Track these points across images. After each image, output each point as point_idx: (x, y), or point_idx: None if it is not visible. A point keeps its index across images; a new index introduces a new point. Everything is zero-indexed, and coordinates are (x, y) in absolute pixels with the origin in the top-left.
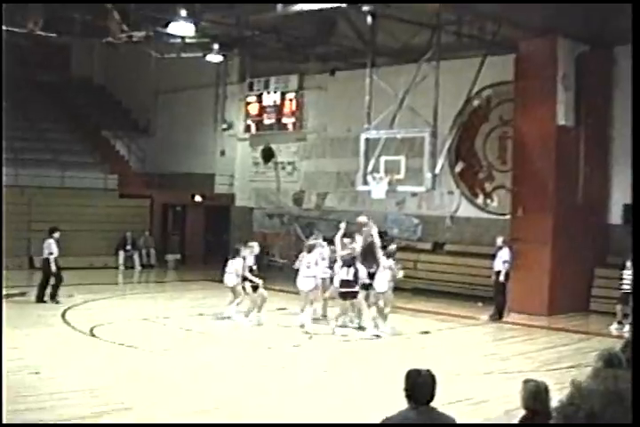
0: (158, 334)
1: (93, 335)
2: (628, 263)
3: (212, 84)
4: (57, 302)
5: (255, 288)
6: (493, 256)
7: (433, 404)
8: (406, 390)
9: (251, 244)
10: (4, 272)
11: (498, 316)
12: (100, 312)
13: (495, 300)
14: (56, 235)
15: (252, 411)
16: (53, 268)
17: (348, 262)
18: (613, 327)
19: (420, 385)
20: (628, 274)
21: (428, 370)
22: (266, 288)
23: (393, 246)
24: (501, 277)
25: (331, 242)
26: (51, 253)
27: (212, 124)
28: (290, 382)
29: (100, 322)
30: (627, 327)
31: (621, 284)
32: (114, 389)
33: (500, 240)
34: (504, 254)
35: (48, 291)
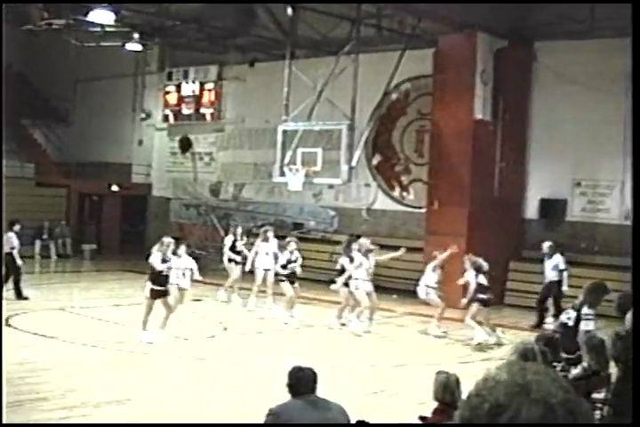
0: (75, 324)
1: (9, 325)
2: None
3: (131, 73)
4: (25, 298)
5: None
6: (541, 261)
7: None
8: (289, 385)
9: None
10: None
11: (540, 323)
12: (15, 302)
13: (538, 307)
14: (16, 227)
15: (164, 403)
16: (19, 261)
17: None
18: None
19: (301, 379)
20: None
21: (309, 367)
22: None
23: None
24: (564, 288)
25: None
26: (13, 248)
27: (130, 113)
28: (198, 372)
29: (16, 312)
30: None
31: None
32: (28, 379)
33: (546, 245)
34: (558, 261)
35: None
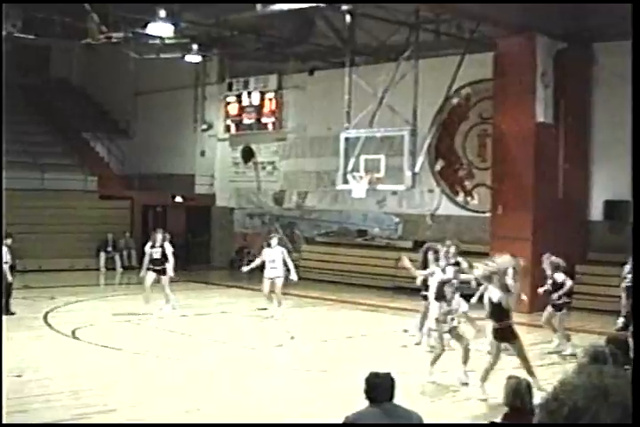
0: (141, 335)
1: (75, 338)
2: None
3: (191, 84)
4: (12, 314)
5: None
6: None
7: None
8: (366, 391)
9: None
10: None
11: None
12: (81, 314)
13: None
14: (8, 241)
15: (235, 411)
16: (9, 278)
17: None
18: (620, 321)
19: (378, 386)
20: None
21: (387, 373)
22: (247, 288)
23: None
24: None
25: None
26: (6, 263)
27: (191, 124)
28: (271, 382)
29: (82, 324)
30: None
31: (625, 278)
32: (96, 391)
33: None
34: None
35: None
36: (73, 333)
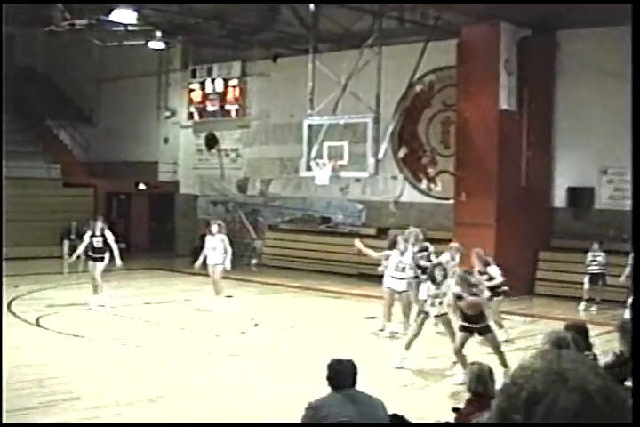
0: (104, 323)
1: (39, 325)
2: (595, 246)
3: (154, 71)
4: None
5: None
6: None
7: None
8: (329, 377)
9: None
10: None
11: None
12: (45, 302)
13: None
14: None
15: (197, 400)
16: None
17: None
18: (582, 307)
19: (340, 372)
20: (593, 256)
21: (349, 359)
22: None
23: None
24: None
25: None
26: None
27: (155, 111)
28: (236, 369)
29: (46, 312)
30: (594, 307)
31: (588, 265)
32: (61, 379)
33: None
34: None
35: None
36: (37, 321)
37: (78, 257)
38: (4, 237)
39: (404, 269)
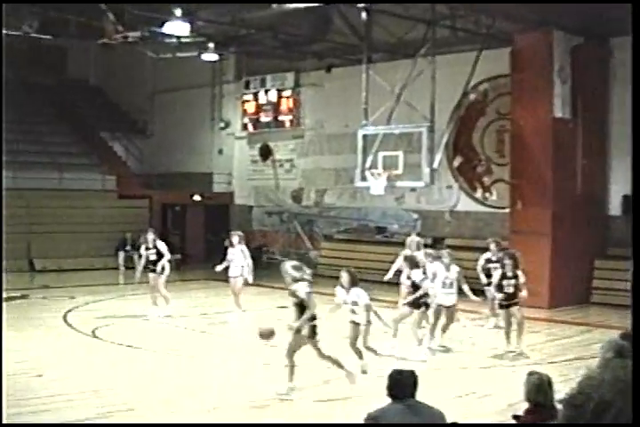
0: (160, 334)
1: (95, 337)
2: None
3: (208, 83)
4: None
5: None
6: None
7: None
8: (389, 388)
9: None
10: (4, 275)
11: None
12: (101, 313)
13: None
14: None
15: (253, 412)
16: None
17: None
18: None
19: (400, 383)
20: None
21: (410, 370)
22: (266, 286)
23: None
24: None
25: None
26: None
27: (209, 123)
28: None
29: (102, 323)
30: None
31: None
32: (117, 390)
33: None
34: None
35: None
36: (93, 332)
37: (141, 270)
38: (4, 237)
39: (452, 285)
